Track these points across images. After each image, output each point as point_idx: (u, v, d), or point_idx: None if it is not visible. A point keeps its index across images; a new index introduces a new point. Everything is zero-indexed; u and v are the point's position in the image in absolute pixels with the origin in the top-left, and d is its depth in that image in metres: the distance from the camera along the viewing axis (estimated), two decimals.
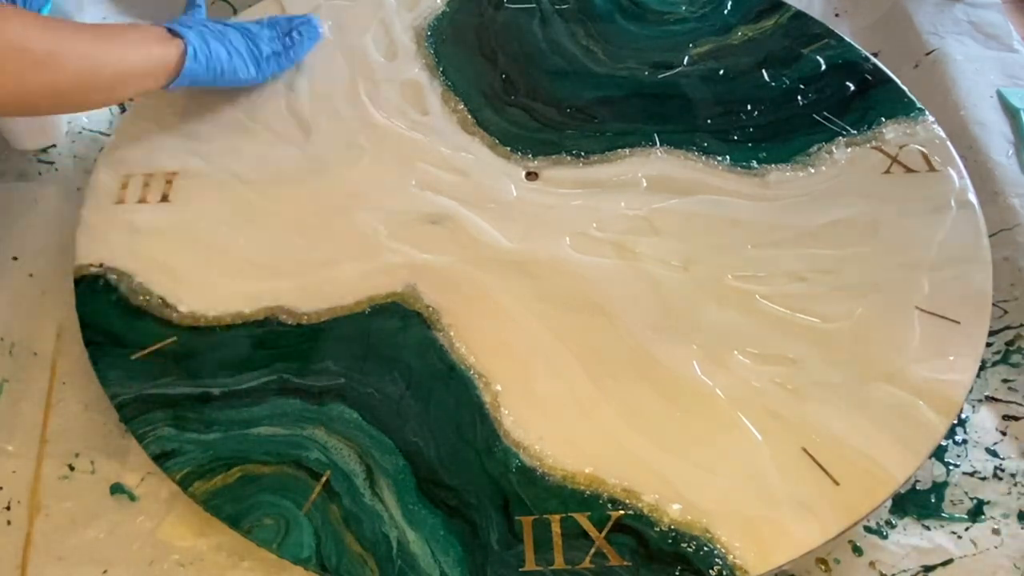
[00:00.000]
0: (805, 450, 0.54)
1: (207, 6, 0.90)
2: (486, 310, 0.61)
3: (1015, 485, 0.58)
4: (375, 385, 0.57)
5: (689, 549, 0.50)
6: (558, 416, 0.56)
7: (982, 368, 0.62)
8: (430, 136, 0.72)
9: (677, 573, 0.49)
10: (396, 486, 0.53)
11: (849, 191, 0.68)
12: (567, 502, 0.52)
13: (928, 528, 0.56)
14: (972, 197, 0.67)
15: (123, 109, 0.81)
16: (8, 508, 0.55)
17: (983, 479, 0.58)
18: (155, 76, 0.63)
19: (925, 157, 0.70)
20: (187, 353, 0.59)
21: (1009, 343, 0.65)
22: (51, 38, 0.55)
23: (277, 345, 0.59)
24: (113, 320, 0.61)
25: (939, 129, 0.72)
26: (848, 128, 0.72)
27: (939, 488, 0.58)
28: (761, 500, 0.52)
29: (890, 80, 0.76)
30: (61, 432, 0.59)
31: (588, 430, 0.55)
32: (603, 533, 0.51)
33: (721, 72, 0.77)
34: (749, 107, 0.74)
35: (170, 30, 0.64)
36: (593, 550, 0.50)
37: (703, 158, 0.70)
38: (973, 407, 0.62)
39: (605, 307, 0.61)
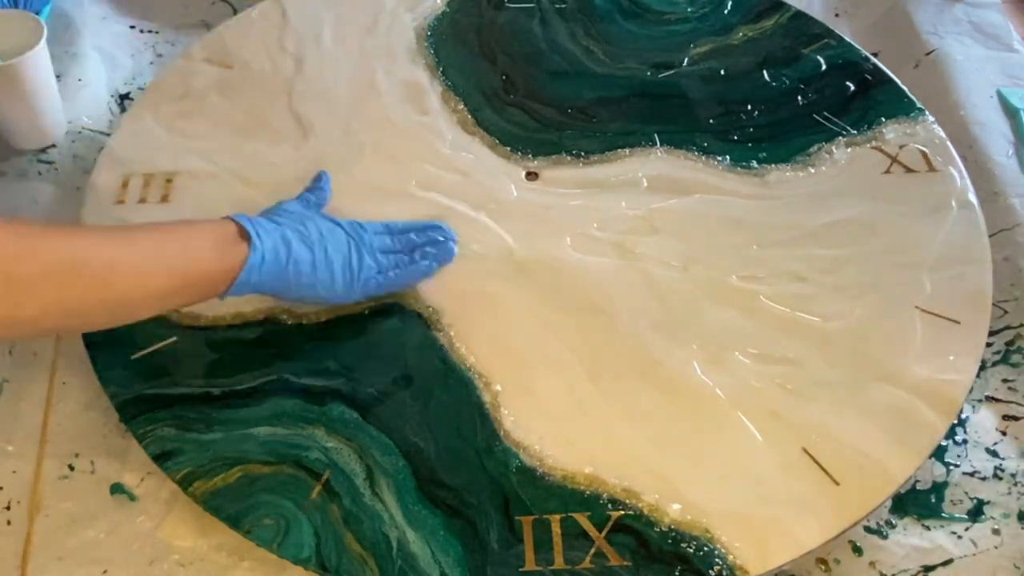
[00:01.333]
0: (805, 450, 0.54)
1: (207, 7, 0.91)
2: (486, 310, 0.61)
3: (1015, 485, 0.58)
4: (375, 385, 0.57)
5: (689, 549, 0.50)
6: (558, 416, 0.56)
7: (982, 368, 0.62)
8: (430, 136, 0.72)
9: (677, 573, 0.49)
10: (396, 486, 0.53)
11: (849, 191, 0.68)
12: (567, 502, 0.52)
13: (928, 528, 0.56)
14: (972, 197, 0.67)
15: (123, 109, 0.81)
16: (8, 508, 0.55)
17: (983, 479, 0.58)
18: (201, 289, 0.51)
19: (925, 157, 0.70)
20: (187, 353, 0.59)
21: (1009, 343, 0.65)
22: (101, 254, 0.46)
23: (277, 345, 0.59)
24: None
25: (939, 129, 0.72)
26: (848, 128, 0.72)
27: (939, 488, 0.58)
28: (761, 500, 0.52)
29: (890, 80, 0.76)
30: (61, 432, 0.59)
31: (588, 430, 0.55)
32: (603, 533, 0.51)
33: (721, 72, 0.77)
34: (749, 107, 0.74)
35: (241, 227, 0.53)
36: (593, 550, 0.50)
37: (703, 158, 0.70)
38: (973, 407, 0.62)
39: (605, 307, 0.61)
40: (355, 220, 0.60)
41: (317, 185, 0.64)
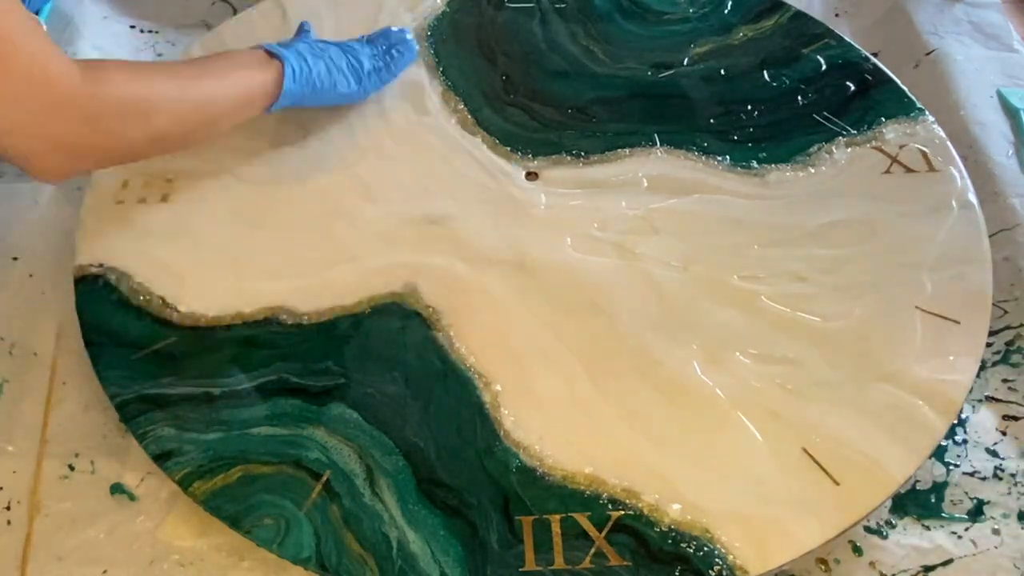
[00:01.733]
0: (805, 450, 0.54)
1: (207, 7, 0.91)
2: (486, 310, 0.61)
3: (1015, 485, 0.58)
4: (375, 385, 0.57)
5: (689, 549, 0.50)
6: (558, 416, 0.56)
7: (982, 368, 0.62)
8: (430, 136, 0.72)
9: (677, 573, 0.49)
10: (396, 486, 0.53)
11: (849, 191, 0.68)
12: (567, 502, 0.52)
13: (928, 528, 0.56)
14: (972, 197, 0.67)
15: None
16: (8, 508, 0.55)
17: (983, 479, 0.58)
18: (255, 103, 0.63)
19: (925, 157, 0.70)
20: (187, 353, 0.59)
21: (1009, 343, 0.65)
22: (144, 86, 0.55)
23: (277, 345, 0.59)
24: (113, 320, 0.60)
25: (939, 129, 0.72)
26: (848, 128, 0.72)
27: (939, 488, 0.58)
28: (761, 500, 0.52)
29: (890, 80, 0.76)
30: (61, 432, 0.59)
31: (588, 430, 0.55)
32: (603, 533, 0.51)
33: (721, 72, 0.77)
34: (749, 107, 0.74)
35: (268, 51, 0.64)
36: (593, 550, 0.50)
37: (703, 158, 0.70)
38: (973, 407, 0.62)
39: (605, 307, 0.61)
40: (335, 40, 0.71)
41: (302, 30, 0.72)
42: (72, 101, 0.50)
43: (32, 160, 0.52)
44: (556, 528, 0.51)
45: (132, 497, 0.56)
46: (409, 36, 0.74)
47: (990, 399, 0.62)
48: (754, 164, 0.70)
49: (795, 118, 0.73)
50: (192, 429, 0.55)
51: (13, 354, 0.62)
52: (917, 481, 0.58)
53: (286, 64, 0.63)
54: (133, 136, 0.55)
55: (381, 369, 0.58)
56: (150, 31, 0.89)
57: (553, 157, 0.71)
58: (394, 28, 0.74)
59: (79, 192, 0.71)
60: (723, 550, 0.50)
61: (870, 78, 0.76)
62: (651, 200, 0.68)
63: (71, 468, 0.57)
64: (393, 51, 0.72)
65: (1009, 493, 0.57)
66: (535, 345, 0.59)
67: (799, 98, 0.75)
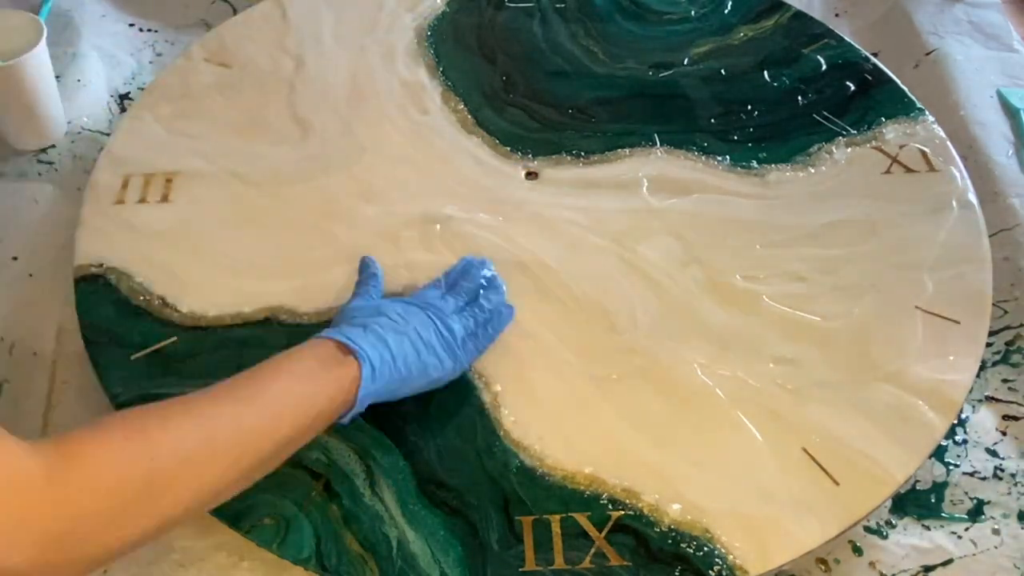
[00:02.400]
0: (805, 450, 0.54)
1: (207, 6, 0.91)
2: None
3: (1015, 485, 0.58)
4: None
5: (689, 549, 0.50)
6: (558, 416, 0.56)
7: (982, 368, 0.62)
8: (430, 136, 0.72)
9: (677, 573, 0.49)
10: (396, 486, 0.53)
11: (849, 191, 0.68)
12: (567, 502, 0.52)
13: (928, 528, 0.56)
14: (972, 197, 0.67)
15: (123, 109, 0.81)
16: None
17: (983, 479, 0.58)
18: (320, 424, 0.49)
19: (925, 157, 0.70)
20: (187, 353, 0.59)
21: (1009, 343, 0.65)
22: (146, 455, 0.41)
23: (277, 345, 0.59)
24: (113, 320, 0.60)
25: (939, 129, 0.72)
26: (848, 128, 0.72)
27: (939, 488, 0.58)
28: (761, 500, 0.52)
29: (890, 80, 0.76)
30: (61, 432, 0.59)
31: (588, 430, 0.55)
32: (603, 533, 0.51)
33: (721, 72, 0.77)
34: (749, 107, 0.74)
35: (339, 343, 0.50)
36: (593, 550, 0.50)
37: (703, 158, 0.70)
38: (973, 407, 0.62)
39: (605, 307, 0.61)
40: (415, 295, 0.57)
41: (368, 272, 0.61)
42: (32, 517, 0.37)
43: None
44: (556, 528, 0.51)
45: None
46: (491, 271, 0.60)
47: (990, 399, 0.62)
48: (754, 164, 0.70)
49: (795, 118, 0.73)
50: None
51: (13, 354, 0.62)
52: (917, 481, 0.58)
53: (363, 363, 0.49)
54: (129, 534, 0.41)
55: None
56: (149, 30, 0.89)
57: (553, 157, 0.71)
58: (471, 263, 0.60)
59: (79, 192, 0.71)
60: (723, 550, 0.50)
61: (870, 78, 0.76)
62: (651, 200, 0.67)
63: None
64: (482, 299, 0.58)
65: (1009, 493, 0.57)
66: (535, 345, 0.59)
67: (799, 98, 0.75)
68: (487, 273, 0.60)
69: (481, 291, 0.59)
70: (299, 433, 0.47)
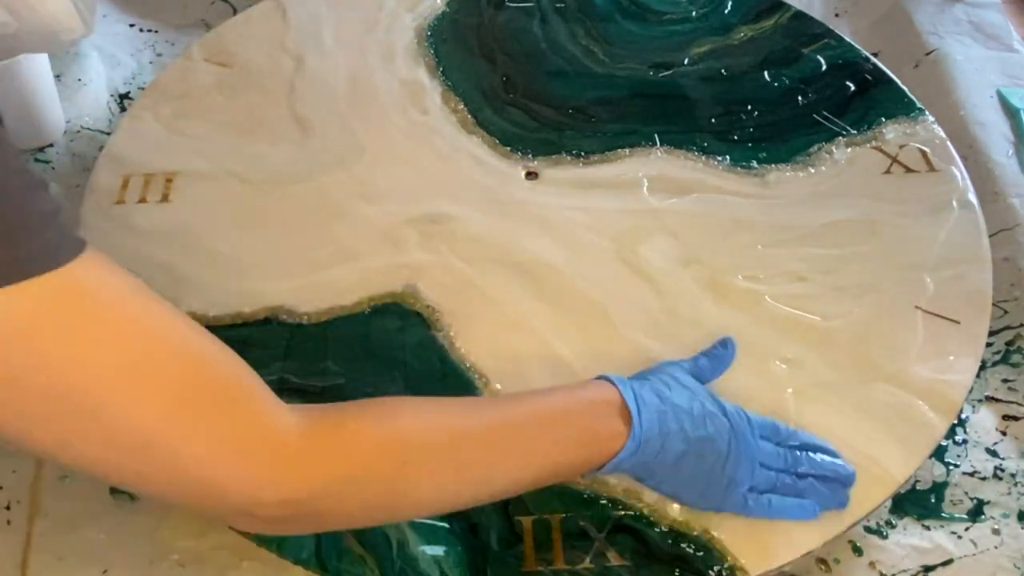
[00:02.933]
0: None
1: (207, 6, 0.90)
2: (486, 310, 0.61)
3: (1015, 485, 0.58)
4: (375, 385, 0.57)
5: (689, 549, 0.50)
6: None
7: (982, 368, 0.62)
8: (430, 136, 0.72)
9: (677, 573, 0.49)
10: None
11: (849, 191, 0.68)
12: (567, 502, 0.52)
13: (928, 528, 0.56)
14: (972, 197, 0.67)
15: (123, 109, 0.81)
16: (8, 508, 0.55)
17: (983, 479, 0.58)
18: (572, 478, 0.48)
19: (925, 157, 0.70)
20: None
21: (1009, 343, 0.65)
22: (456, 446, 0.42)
23: (277, 345, 0.59)
24: None
25: (939, 129, 0.72)
26: (848, 128, 0.72)
27: (939, 488, 0.58)
28: None
29: (890, 80, 0.76)
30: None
31: None
32: (603, 533, 0.51)
33: (721, 72, 0.77)
34: (749, 107, 0.74)
35: (625, 403, 0.46)
36: (593, 550, 0.50)
37: (703, 158, 0.70)
38: (973, 407, 0.62)
39: (605, 307, 0.61)
40: (739, 407, 0.50)
41: (718, 349, 0.55)
42: (281, 478, 0.38)
43: (227, 521, 0.42)
44: (556, 528, 0.51)
45: (132, 497, 0.56)
46: (847, 487, 0.50)
47: (990, 399, 0.62)
48: (754, 164, 0.70)
49: (795, 118, 0.73)
50: None
51: None
52: (917, 481, 0.58)
53: (631, 439, 0.46)
54: (365, 516, 0.44)
55: (381, 369, 0.58)
56: (150, 30, 0.89)
57: (553, 157, 0.71)
58: (830, 460, 0.51)
59: (79, 192, 0.71)
60: (723, 550, 0.50)
61: (870, 78, 0.76)
62: (651, 200, 0.67)
63: None
64: (802, 483, 0.50)
65: (1009, 493, 0.57)
66: (535, 345, 0.59)
67: (799, 98, 0.75)
68: (836, 471, 0.50)
69: (811, 475, 0.50)
70: (535, 483, 0.46)
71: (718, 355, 0.56)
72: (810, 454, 0.51)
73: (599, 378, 0.49)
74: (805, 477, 0.50)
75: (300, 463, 0.39)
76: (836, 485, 0.50)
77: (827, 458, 0.51)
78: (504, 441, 0.45)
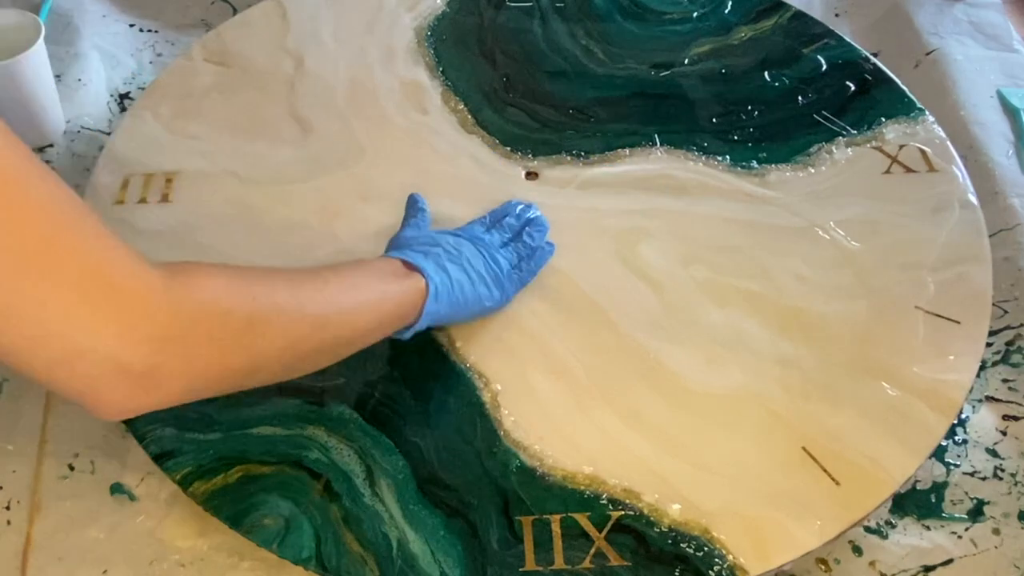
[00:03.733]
0: (805, 450, 0.54)
1: (207, 6, 0.91)
2: None
3: (1015, 485, 0.58)
4: (375, 385, 0.57)
5: (689, 549, 0.50)
6: (558, 416, 0.56)
7: (982, 368, 0.62)
8: (430, 136, 0.72)
9: (677, 573, 0.49)
10: (396, 486, 0.53)
11: (849, 191, 0.68)
12: (567, 502, 0.52)
13: (928, 528, 0.56)
14: (972, 197, 0.67)
15: (123, 109, 0.81)
16: (8, 508, 0.55)
17: (983, 479, 0.58)
18: (388, 325, 0.52)
19: (925, 157, 0.70)
20: None
21: (1009, 343, 0.65)
22: (247, 297, 0.44)
23: None
24: None
25: (939, 129, 0.72)
26: (848, 128, 0.72)
27: (939, 488, 0.58)
28: (761, 500, 0.52)
29: (890, 80, 0.76)
30: (61, 432, 0.59)
31: (588, 430, 0.55)
32: (603, 533, 0.51)
33: (721, 72, 0.77)
34: (749, 107, 0.74)
35: (404, 262, 0.54)
36: (593, 550, 0.50)
37: (703, 158, 0.70)
38: (973, 407, 0.62)
39: (605, 307, 0.61)
40: (462, 229, 0.61)
41: (417, 207, 0.63)
42: (149, 316, 0.39)
43: (93, 393, 0.40)
44: (556, 528, 0.51)
45: (132, 497, 0.56)
46: (536, 212, 0.63)
47: (990, 399, 0.62)
48: (754, 164, 0.70)
49: (795, 118, 0.73)
50: (192, 429, 0.55)
51: None
52: (917, 481, 0.58)
53: (429, 281, 0.53)
54: (228, 363, 0.44)
55: (381, 369, 0.58)
56: (150, 30, 0.89)
57: (553, 157, 0.71)
58: (517, 204, 0.63)
59: (79, 192, 0.71)
60: (723, 550, 0.50)
61: (870, 78, 0.76)
62: (651, 200, 0.67)
63: (71, 468, 0.57)
64: (525, 236, 0.61)
65: (1009, 493, 0.57)
66: (535, 345, 0.59)
67: (799, 98, 0.75)
68: (531, 214, 0.63)
69: (524, 229, 0.62)
70: (373, 326, 0.51)
71: (420, 209, 0.63)
72: (525, 236, 0.61)
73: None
74: (523, 232, 0.62)
75: (166, 297, 0.40)
76: (535, 220, 0.63)
77: (535, 232, 0.62)
78: (337, 294, 0.49)
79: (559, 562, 0.50)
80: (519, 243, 0.61)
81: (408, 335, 0.54)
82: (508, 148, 0.71)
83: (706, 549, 0.50)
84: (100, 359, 0.38)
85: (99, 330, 0.38)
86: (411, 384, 0.57)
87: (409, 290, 0.52)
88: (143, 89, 0.81)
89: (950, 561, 0.54)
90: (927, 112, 0.73)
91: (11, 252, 0.36)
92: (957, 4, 0.88)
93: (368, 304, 0.50)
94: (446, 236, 0.58)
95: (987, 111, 0.78)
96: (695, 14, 0.83)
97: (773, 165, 0.70)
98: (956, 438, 0.60)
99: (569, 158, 0.71)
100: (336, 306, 0.49)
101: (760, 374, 0.58)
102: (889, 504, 0.56)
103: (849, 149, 0.71)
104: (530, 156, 0.71)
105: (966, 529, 0.56)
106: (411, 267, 0.53)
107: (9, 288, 0.36)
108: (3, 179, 0.35)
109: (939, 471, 0.58)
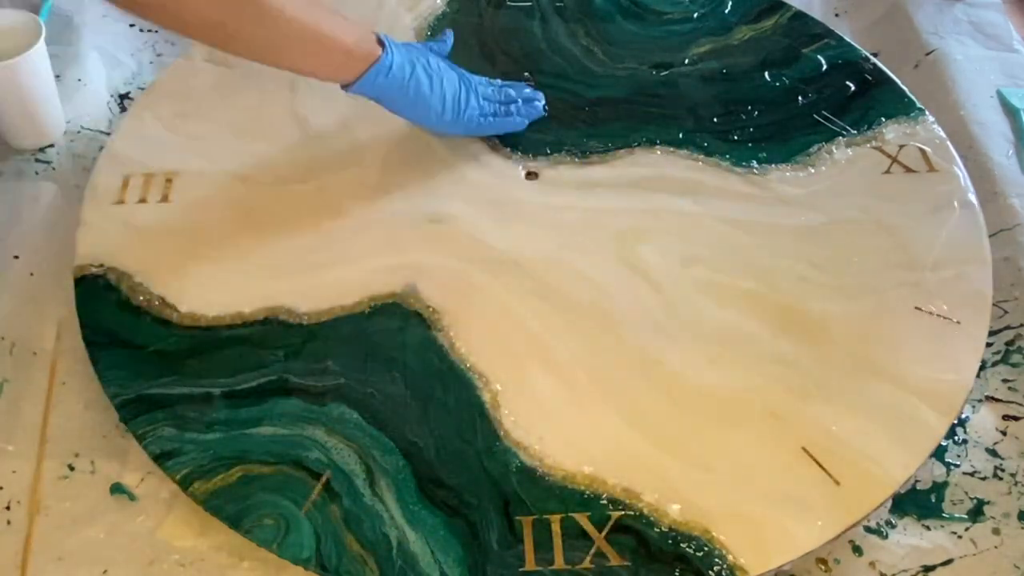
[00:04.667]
0: (805, 450, 0.54)
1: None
2: (486, 310, 0.61)
3: (1015, 485, 0.58)
4: (375, 385, 0.57)
5: (689, 549, 0.50)
6: (558, 416, 0.56)
7: (982, 368, 0.62)
8: (430, 136, 0.72)
9: (677, 573, 0.49)
10: (396, 486, 0.53)
11: (849, 191, 0.68)
12: (567, 502, 0.52)
13: (928, 528, 0.56)
14: (972, 197, 0.67)
15: (123, 109, 0.81)
16: (8, 508, 0.55)
17: (983, 479, 0.58)
18: (329, 62, 0.59)
19: (925, 157, 0.70)
20: (187, 353, 0.59)
21: (1009, 343, 0.65)
22: None
23: (277, 345, 0.59)
24: (113, 320, 0.60)
25: (939, 129, 0.72)
26: (848, 128, 0.72)
27: (939, 488, 0.58)
28: (761, 500, 0.52)
29: (890, 80, 0.76)
30: (61, 432, 0.59)
31: (588, 430, 0.55)
32: (603, 533, 0.51)
33: (721, 72, 0.77)
34: (749, 107, 0.74)
35: (380, 39, 0.61)
36: (593, 550, 0.50)
37: (703, 158, 0.70)
38: (973, 407, 0.62)
39: (605, 307, 0.61)
40: (464, 69, 0.68)
41: (441, 37, 0.70)
42: None
43: None
44: (556, 528, 0.51)
45: (132, 497, 0.56)
46: (540, 102, 0.72)
47: (990, 399, 0.62)
48: (754, 164, 0.70)
49: (795, 118, 0.73)
50: (192, 429, 0.55)
51: (13, 354, 0.62)
52: (917, 481, 0.58)
53: (385, 55, 0.60)
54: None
55: (381, 369, 0.58)
56: (150, 30, 0.89)
57: (553, 157, 0.71)
58: (527, 88, 0.72)
59: (79, 192, 0.71)
60: (723, 550, 0.50)
61: (870, 78, 0.76)
62: (651, 200, 0.67)
63: (71, 468, 0.57)
64: (512, 107, 0.69)
65: (1009, 493, 0.57)
66: (535, 345, 0.59)
67: (799, 98, 0.75)
68: (532, 96, 0.71)
69: (517, 102, 0.69)
70: (310, 47, 0.57)
71: (442, 39, 0.70)
72: (513, 89, 0.71)
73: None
74: (513, 104, 0.70)
75: None
76: (532, 103, 0.71)
77: (524, 107, 0.70)
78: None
79: (559, 562, 0.50)
80: (503, 107, 0.68)
81: (350, 89, 0.61)
82: (508, 148, 0.71)
83: (706, 549, 0.50)
84: None
85: None
86: (411, 384, 0.57)
87: (362, 48, 0.59)
88: (143, 89, 0.81)
89: (950, 561, 0.54)
90: (927, 112, 0.73)
91: None
92: (957, 4, 0.88)
93: (315, 26, 0.56)
94: (439, 59, 0.65)
95: (987, 111, 0.78)
96: (695, 14, 0.83)
97: (773, 165, 0.70)
98: (956, 438, 0.60)
99: (569, 158, 0.71)
100: (285, 8, 0.54)
101: (760, 374, 0.58)
102: (889, 504, 0.56)
103: (849, 149, 0.71)
104: (530, 156, 0.71)
105: (966, 529, 0.56)
106: (381, 44, 0.60)
107: None
108: None
109: (939, 471, 0.58)
